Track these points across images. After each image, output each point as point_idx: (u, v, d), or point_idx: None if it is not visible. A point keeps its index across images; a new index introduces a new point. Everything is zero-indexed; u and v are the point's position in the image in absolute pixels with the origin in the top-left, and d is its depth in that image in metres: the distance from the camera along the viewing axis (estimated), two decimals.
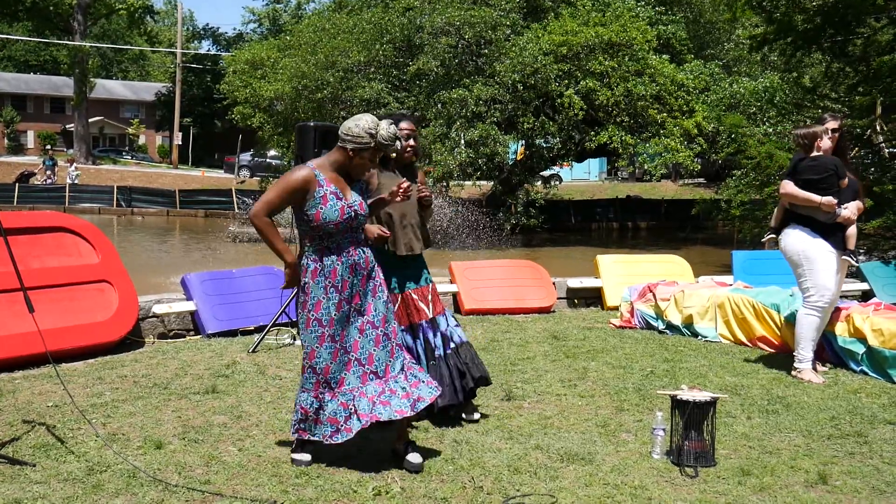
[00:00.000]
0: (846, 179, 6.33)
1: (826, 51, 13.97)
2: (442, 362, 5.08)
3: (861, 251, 11.80)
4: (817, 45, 13.61)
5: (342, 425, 4.29)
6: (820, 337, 6.61)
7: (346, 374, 4.32)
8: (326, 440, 4.31)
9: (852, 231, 6.39)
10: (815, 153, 6.36)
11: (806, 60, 16.18)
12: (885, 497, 4.04)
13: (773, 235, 6.67)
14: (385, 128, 4.32)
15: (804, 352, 6.38)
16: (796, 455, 4.60)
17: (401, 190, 4.56)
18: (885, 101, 12.46)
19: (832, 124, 6.48)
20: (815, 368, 6.44)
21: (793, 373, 6.41)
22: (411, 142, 5.12)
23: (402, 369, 4.38)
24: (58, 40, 49.95)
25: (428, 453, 4.50)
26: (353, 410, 4.28)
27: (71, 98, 51.05)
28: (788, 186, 6.38)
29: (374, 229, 4.72)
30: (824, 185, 6.27)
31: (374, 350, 4.32)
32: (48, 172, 38.53)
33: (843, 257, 6.34)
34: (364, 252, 4.38)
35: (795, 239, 6.37)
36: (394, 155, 5.05)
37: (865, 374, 6.55)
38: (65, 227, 7.33)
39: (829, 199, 6.22)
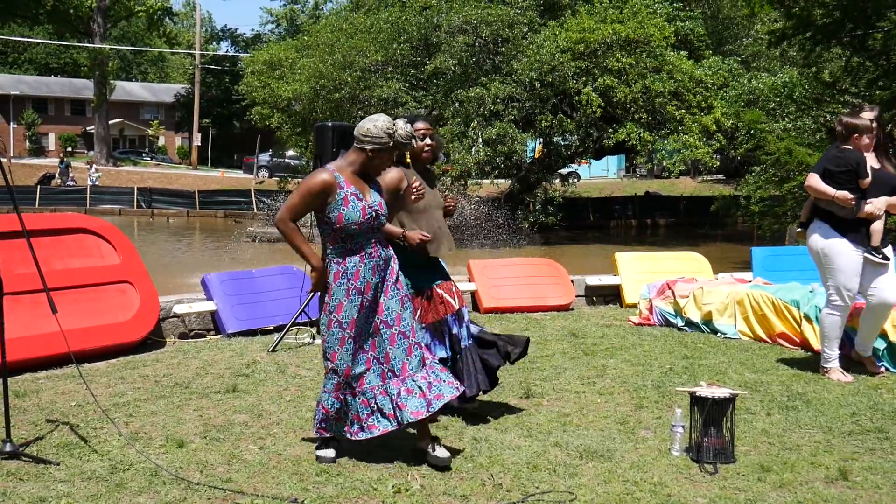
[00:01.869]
0: (867, 180, 6.06)
1: (846, 45, 13.90)
2: (468, 352, 5.15)
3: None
4: (837, 39, 13.55)
5: (365, 423, 4.35)
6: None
7: (366, 374, 4.36)
8: (352, 436, 4.38)
9: (876, 227, 6.12)
10: (846, 145, 6.18)
11: (825, 55, 16.06)
12: None
13: (801, 230, 6.54)
14: (402, 127, 4.36)
15: (829, 350, 6.29)
16: (816, 451, 4.58)
17: (414, 190, 4.73)
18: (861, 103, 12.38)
19: (868, 115, 6.21)
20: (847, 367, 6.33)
21: (821, 371, 6.34)
22: (428, 140, 5.09)
23: (420, 367, 4.39)
24: (78, 43, 50.31)
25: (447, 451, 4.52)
26: (375, 408, 4.34)
27: (91, 100, 51.42)
28: (812, 179, 6.21)
29: (415, 235, 4.79)
30: (841, 180, 6.08)
31: (390, 349, 4.35)
32: (71, 175, 38.88)
33: (865, 255, 6.08)
34: (384, 252, 4.42)
35: (816, 236, 6.23)
36: (409, 159, 5.05)
37: (886, 369, 6.50)
38: (86, 228, 7.40)
39: (844, 194, 6.02)
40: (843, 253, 6.10)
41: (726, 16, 27.27)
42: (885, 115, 12.21)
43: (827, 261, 6.17)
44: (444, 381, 4.42)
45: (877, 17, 12.94)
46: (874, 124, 6.20)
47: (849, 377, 6.19)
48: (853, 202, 6.06)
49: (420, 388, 4.34)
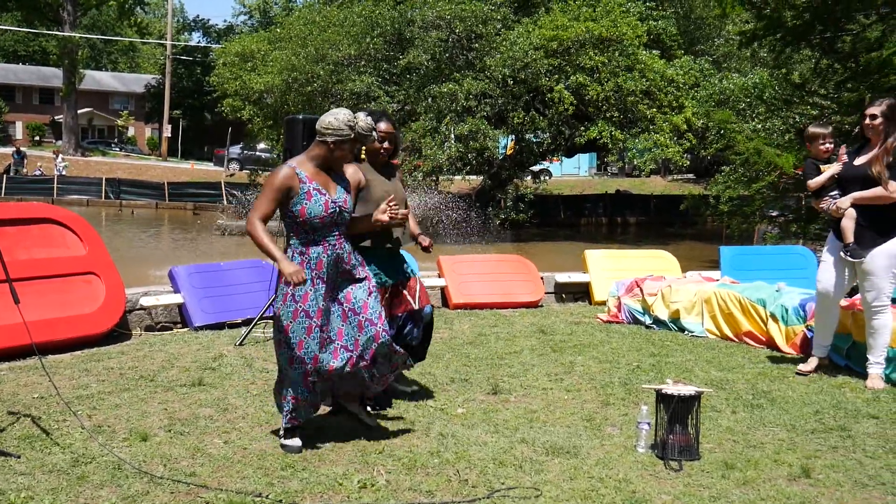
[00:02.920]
0: (811, 181, 6.25)
1: (815, 47, 13.99)
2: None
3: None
4: (806, 41, 13.63)
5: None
6: (806, 331, 6.73)
7: (333, 362, 4.44)
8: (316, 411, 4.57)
9: (844, 224, 6.09)
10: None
11: (795, 57, 16.17)
12: (867, 490, 4.07)
13: None
14: (363, 119, 4.47)
15: (816, 338, 6.50)
16: (780, 449, 4.63)
17: (393, 213, 4.66)
18: (873, 97, 12.49)
19: (872, 110, 6.03)
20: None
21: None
22: (387, 144, 5.23)
23: (388, 356, 4.55)
24: (47, 31, 49.64)
25: (413, 447, 4.52)
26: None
27: (60, 89, 50.77)
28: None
29: (382, 217, 4.64)
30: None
31: (359, 336, 4.45)
32: (39, 165, 38.31)
33: (840, 253, 6.11)
34: (347, 245, 4.52)
35: None
36: (363, 156, 5.12)
37: (850, 368, 6.57)
38: (52, 218, 7.31)
39: (815, 200, 6.40)
40: (826, 250, 6.37)
41: (698, 16, 27.39)
42: (852, 117, 12.35)
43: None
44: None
45: (846, 19, 13.04)
46: (876, 120, 5.98)
47: (810, 368, 6.35)
48: (821, 204, 6.29)
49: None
